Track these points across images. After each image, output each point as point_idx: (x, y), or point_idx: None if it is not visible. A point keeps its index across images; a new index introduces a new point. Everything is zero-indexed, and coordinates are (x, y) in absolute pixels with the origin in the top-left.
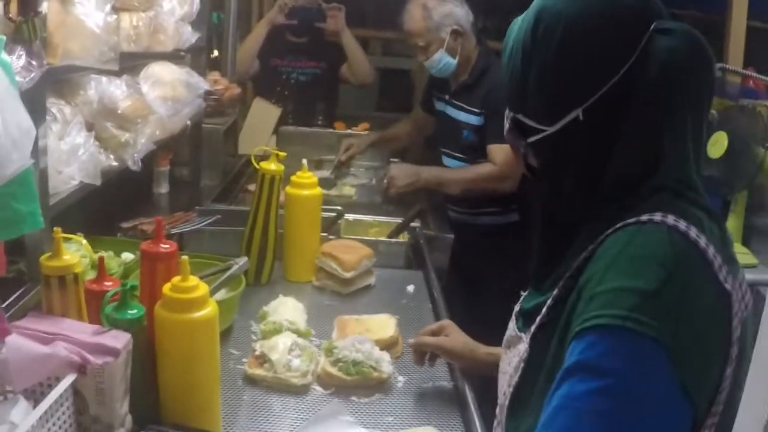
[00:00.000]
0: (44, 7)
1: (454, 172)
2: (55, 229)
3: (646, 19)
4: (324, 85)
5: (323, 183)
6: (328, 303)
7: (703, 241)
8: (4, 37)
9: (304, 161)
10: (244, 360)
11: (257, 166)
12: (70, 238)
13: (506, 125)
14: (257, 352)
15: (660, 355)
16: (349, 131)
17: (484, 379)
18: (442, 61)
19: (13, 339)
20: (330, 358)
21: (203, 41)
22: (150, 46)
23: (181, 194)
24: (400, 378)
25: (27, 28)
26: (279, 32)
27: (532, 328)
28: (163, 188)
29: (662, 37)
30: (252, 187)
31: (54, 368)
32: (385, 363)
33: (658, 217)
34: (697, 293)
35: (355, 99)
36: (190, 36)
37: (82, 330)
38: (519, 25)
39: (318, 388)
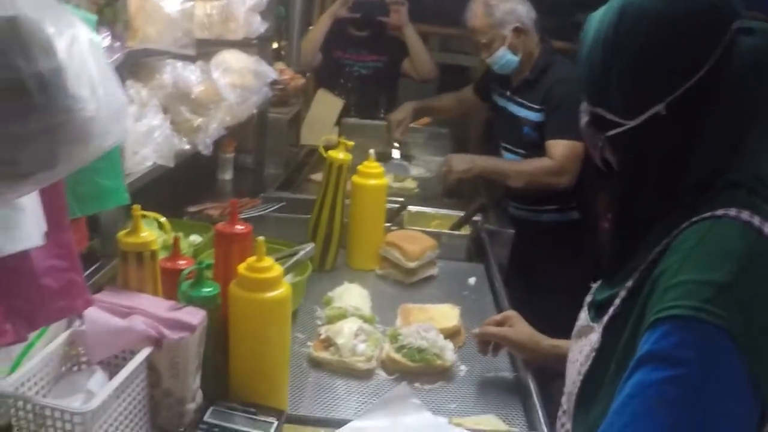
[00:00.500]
0: None
1: (512, 164)
2: (134, 206)
3: (729, 17)
4: (385, 79)
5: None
6: (391, 291)
7: None
8: (96, 18)
9: (371, 151)
10: (309, 343)
11: (325, 155)
12: (146, 216)
13: (583, 119)
14: (323, 336)
15: (731, 347)
16: (411, 125)
17: (546, 370)
18: (505, 57)
19: (92, 311)
20: (395, 345)
21: (271, 32)
22: (221, 34)
23: (244, 181)
24: (463, 367)
25: (110, 10)
26: (342, 25)
27: (605, 318)
28: (228, 175)
29: (745, 36)
30: (315, 176)
31: (131, 341)
32: (449, 351)
33: (732, 212)
34: None
35: (414, 94)
36: (259, 25)
37: (158, 305)
38: (599, 19)
39: (381, 373)
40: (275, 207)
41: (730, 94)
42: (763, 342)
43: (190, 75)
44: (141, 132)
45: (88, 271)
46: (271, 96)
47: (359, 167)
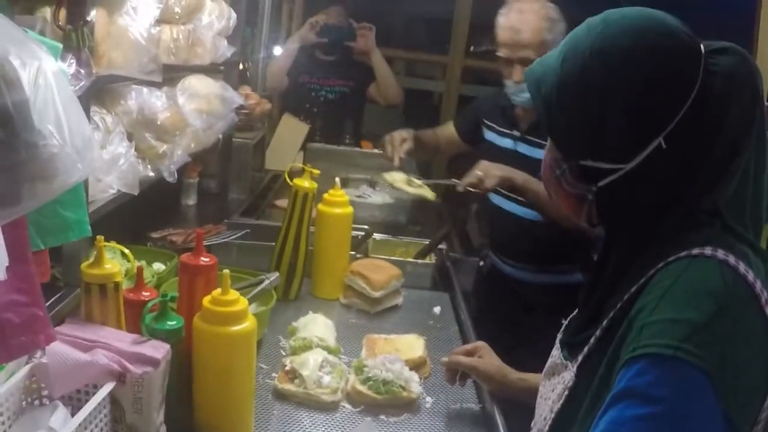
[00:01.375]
0: (92, 16)
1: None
2: (98, 237)
3: (697, 42)
4: (351, 104)
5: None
6: (356, 321)
7: (751, 276)
8: (61, 46)
9: (337, 179)
10: (274, 375)
11: (290, 183)
12: (110, 247)
13: (563, 180)
14: (287, 368)
15: (706, 385)
16: (375, 150)
17: (511, 402)
18: None
19: (54, 345)
20: (360, 377)
21: (237, 56)
22: (188, 59)
23: (208, 206)
24: (429, 398)
25: (76, 36)
26: (309, 50)
27: (580, 357)
28: (191, 200)
29: (719, 56)
30: (279, 202)
31: (93, 376)
32: (414, 383)
33: (708, 251)
34: (745, 326)
35: (380, 119)
36: (225, 50)
37: (121, 339)
38: (567, 70)
39: (347, 405)
40: (239, 234)
41: (717, 117)
42: (738, 380)
43: (156, 101)
44: (106, 159)
45: (50, 301)
46: (237, 121)
47: (325, 195)
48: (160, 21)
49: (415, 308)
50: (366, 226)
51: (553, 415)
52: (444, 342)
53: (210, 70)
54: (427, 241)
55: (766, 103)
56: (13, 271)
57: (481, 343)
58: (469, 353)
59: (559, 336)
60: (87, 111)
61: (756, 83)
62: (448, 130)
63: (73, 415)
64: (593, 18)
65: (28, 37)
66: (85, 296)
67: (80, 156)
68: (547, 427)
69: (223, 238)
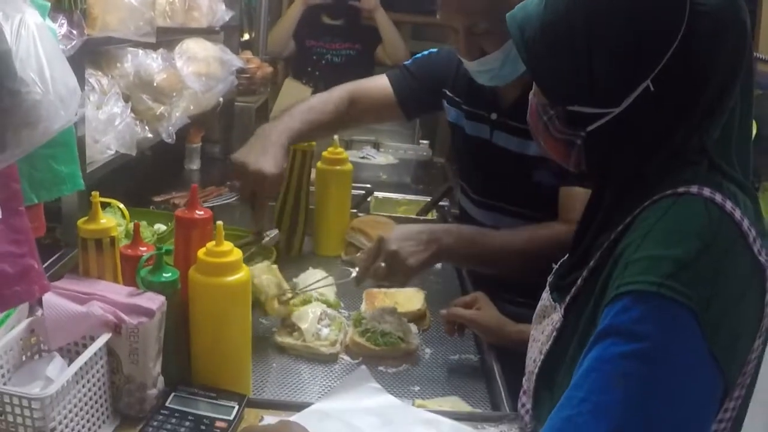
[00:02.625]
0: None
1: (499, 236)
2: (93, 193)
3: None
4: (357, 67)
5: None
6: (356, 276)
7: (738, 214)
8: (49, 4)
9: (336, 137)
10: (274, 329)
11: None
12: (108, 203)
13: (549, 125)
14: (286, 321)
15: (692, 323)
16: None
17: (509, 352)
18: (504, 65)
19: (50, 298)
20: (359, 329)
21: (236, 20)
22: (184, 22)
23: (212, 171)
24: (427, 350)
25: None
26: (315, 14)
27: (567, 298)
28: (195, 164)
29: None
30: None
31: (89, 327)
32: (413, 334)
33: (694, 189)
34: (732, 264)
35: None
36: (223, 14)
37: (117, 291)
38: (552, 10)
39: (346, 357)
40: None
41: (705, 58)
42: (725, 319)
43: (152, 63)
44: (102, 120)
45: (50, 260)
46: (237, 85)
47: (324, 153)
48: None
49: None
50: (368, 185)
51: (542, 356)
52: (444, 295)
53: (208, 32)
54: (429, 199)
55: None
56: (6, 223)
57: (479, 294)
58: (468, 305)
59: (549, 279)
60: (82, 72)
61: (744, 23)
62: (376, 87)
63: (70, 366)
64: None
65: None
66: (82, 252)
67: (64, 104)
68: (537, 369)
69: (225, 200)
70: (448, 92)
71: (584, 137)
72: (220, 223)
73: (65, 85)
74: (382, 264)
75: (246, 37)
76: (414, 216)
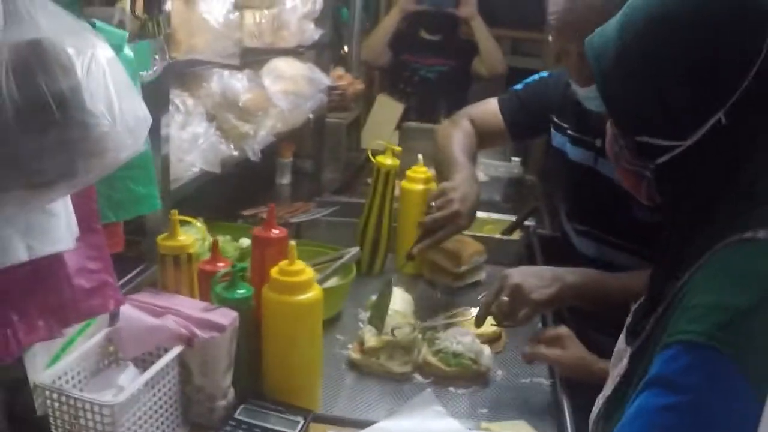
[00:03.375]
0: (168, 5)
1: (620, 278)
2: (172, 211)
3: (764, 10)
4: (449, 83)
5: None
6: (438, 296)
7: None
8: (127, 33)
9: (420, 156)
10: (350, 346)
11: (373, 161)
12: (187, 221)
13: (621, 156)
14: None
15: (739, 378)
16: None
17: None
18: None
19: (127, 310)
20: (432, 348)
21: (327, 37)
22: (273, 42)
23: (302, 186)
24: (499, 372)
25: (151, 24)
26: (413, 28)
27: (636, 343)
28: (285, 179)
29: None
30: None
31: (163, 339)
32: (485, 356)
33: (762, 234)
34: None
35: (484, 98)
36: (312, 33)
37: (192, 306)
38: (620, 38)
39: (418, 376)
40: (327, 211)
41: None
42: None
43: (237, 83)
44: (186, 139)
45: (133, 273)
46: (329, 101)
47: (407, 172)
48: (242, 6)
49: None
50: None
51: (602, 401)
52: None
53: (296, 52)
54: (515, 218)
55: None
56: (84, 240)
57: (563, 331)
58: (551, 341)
59: (628, 319)
60: (166, 94)
61: None
62: (486, 114)
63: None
64: None
65: (86, 27)
66: (161, 267)
67: (131, 134)
68: (596, 413)
69: (311, 216)
70: (555, 118)
71: (653, 170)
72: (293, 243)
73: (134, 116)
74: (505, 298)
75: (347, 49)
76: (498, 236)
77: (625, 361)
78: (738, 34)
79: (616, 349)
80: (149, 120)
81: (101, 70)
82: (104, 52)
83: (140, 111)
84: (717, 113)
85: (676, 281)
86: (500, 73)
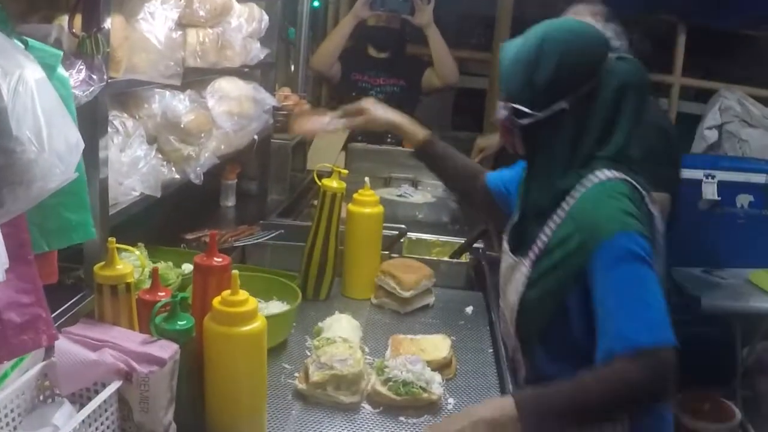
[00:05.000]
0: (108, 23)
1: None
2: (109, 239)
3: (607, 48)
4: (400, 102)
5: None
6: (386, 321)
7: (638, 185)
8: (61, 53)
9: (367, 179)
10: (296, 374)
11: (319, 183)
12: (126, 249)
13: (502, 113)
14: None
15: (645, 240)
16: None
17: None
18: None
19: (62, 344)
20: (381, 377)
21: (272, 57)
22: (217, 62)
23: (247, 208)
24: (451, 399)
25: (89, 43)
26: (361, 45)
27: (530, 253)
28: (230, 201)
29: (620, 62)
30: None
31: (100, 374)
32: (436, 384)
33: (611, 174)
34: (643, 209)
35: (429, 117)
36: (258, 52)
37: (130, 338)
38: (520, 44)
39: (367, 406)
40: (272, 234)
41: (609, 98)
42: (647, 231)
43: (179, 104)
44: (125, 162)
45: (71, 302)
46: (275, 122)
47: (354, 195)
48: (185, 25)
49: (447, 308)
50: (402, 225)
51: (518, 298)
52: (474, 342)
53: (240, 72)
54: (464, 240)
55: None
56: (14, 272)
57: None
58: None
59: (506, 244)
60: (104, 116)
61: (644, 84)
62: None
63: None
64: (548, 20)
65: (14, 46)
66: (98, 297)
67: (62, 161)
68: (516, 308)
69: (256, 239)
70: None
71: (519, 127)
72: (235, 272)
73: (65, 141)
74: None
75: (293, 68)
76: (446, 259)
77: (525, 267)
78: (585, 55)
79: (504, 269)
80: (81, 145)
81: (29, 93)
82: (33, 73)
83: (72, 136)
84: (562, 101)
85: (550, 211)
86: (453, 83)
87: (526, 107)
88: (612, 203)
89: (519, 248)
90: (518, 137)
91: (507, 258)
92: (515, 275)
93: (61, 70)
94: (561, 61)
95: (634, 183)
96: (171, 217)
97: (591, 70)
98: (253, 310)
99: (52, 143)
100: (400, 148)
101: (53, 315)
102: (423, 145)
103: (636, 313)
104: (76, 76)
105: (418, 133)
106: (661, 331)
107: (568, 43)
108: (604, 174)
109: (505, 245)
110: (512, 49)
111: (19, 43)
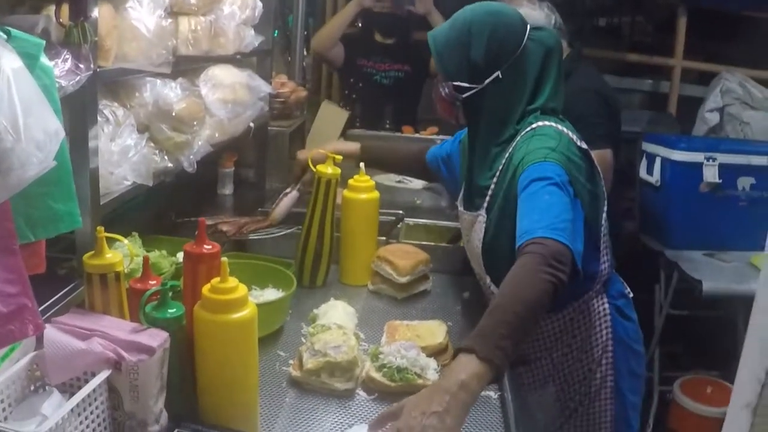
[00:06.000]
0: (95, 12)
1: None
2: (98, 228)
3: (525, 22)
4: (404, 88)
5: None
6: (383, 307)
7: (565, 130)
8: (44, 42)
9: (362, 165)
10: (291, 362)
11: (314, 169)
12: (116, 239)
13: (443, 90)
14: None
15: (562, 169)
16: (417, 135)
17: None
18: None
19: (51, 333)
20: (375, 364)
21: (268, 44)
22: (210, 50)
23: (246, 195)
24: None
25: (76, 32)
26: (368, 31)
27: (484, 203)
28: (228, 189)
29: (539, 31)
30: None
31: (89, 364)
32: (431, 370)
33: (542, 123)
34: (571, 145)
35: (430, 103)
36: (252, 39)
37: (120, 327)
38: (450, 27)
39: (362, 393)
40: (286, 231)
41: (537, 60)
42: (573, 168)
43: (170, 92)
44: (115, 152)
45: (63, 291)
46: (271, 109)
47: (350, 181)
48: (177, 13)
49: (444, 293)
50: (399, 211)
51: (481, 243)
52: (470, 327)
53: (234, 60)
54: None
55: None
56: (0, 262)
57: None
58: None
59: (460, 207)
60: (93, 105)
61: (559, 49)
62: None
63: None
64: (467, 6)
65: None
66: (88, 286)
67: (40, 149)
68: (481, 253)
69: (271, 234)
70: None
71: (461, 101)
72: (224, 259)
73: (43, 130)
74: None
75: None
76: (444, 244)
77: (481, 218)
78: (509, 30)
79: (464, 228)
80: (61, 134)
81: (5, 82)
82: (10, 62)
83: (51, 124)
84: (496, 72)
85: (498, 163)
86: None
87: (465, 83)
88: (538, 142)
89: (472, 205)
90: (460, 110)
91: (464, 216)
92: (475, 227)
93: (44, 60)
94: (490, 39)
95: (562, 128)
96: (169, 206)
97: (517, 41)
98: (242, 297)
99: (30, 132)
100: (398, 134)
101: (46, 305)
102: (361, 154)
103: (539, 216)
104: (62, 65)
105: (351, 147)
106: (557, 232)
107: (493, 23)
108: (536, 123)
109: (461, 209)
110: (442, 34)
111: (1, 33)
